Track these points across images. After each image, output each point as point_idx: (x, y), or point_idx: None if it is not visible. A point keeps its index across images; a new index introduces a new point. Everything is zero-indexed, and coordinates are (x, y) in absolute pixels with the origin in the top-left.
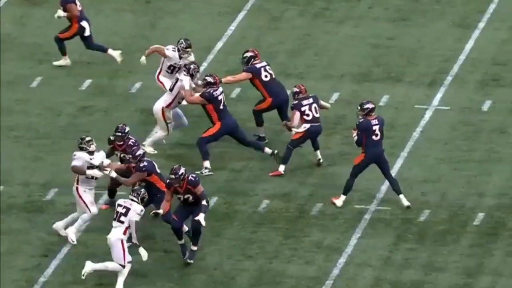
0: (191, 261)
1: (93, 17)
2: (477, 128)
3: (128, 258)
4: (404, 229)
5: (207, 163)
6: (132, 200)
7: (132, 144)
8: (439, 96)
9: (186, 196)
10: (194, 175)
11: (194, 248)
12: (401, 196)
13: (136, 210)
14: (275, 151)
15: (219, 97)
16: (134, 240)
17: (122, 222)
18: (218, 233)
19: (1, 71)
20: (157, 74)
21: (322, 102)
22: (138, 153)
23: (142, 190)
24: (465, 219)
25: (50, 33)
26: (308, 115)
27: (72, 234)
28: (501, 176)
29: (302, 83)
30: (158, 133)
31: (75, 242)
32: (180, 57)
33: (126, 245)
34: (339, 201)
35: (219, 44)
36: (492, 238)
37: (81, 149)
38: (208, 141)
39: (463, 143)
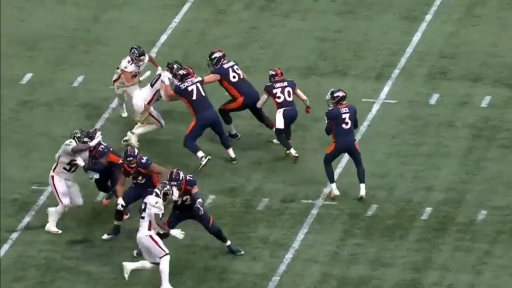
0: (241, 252)
1: (36, 10)
2: (425, 122)
3: (166, 249)
4: (352, 224)
5: (200, 153)
6: (156, 193)
7: (101, 150)
8: (386, 89)
9: (184, 198)
10: (191, 175)
11: (228, 242)
12: (362, 185)
13: (150, 202)
14: (235, 159)
15: (189, 88)
16: (162, 231)
17: (143, 218)
18: None
19: None
20: (114, 79)
21: (299, 92)
22: (135, 152)
23: (167, 186)
24: (413, 213)
25: None
26: (279, 97)
27: (53, 228)
28: (449, 170)
29: (248, 76)
30: (150, 126)
31: (60, 231)
32: (138, 66)
33: (157, 238)
34: (335, 190)
35: (164, 37)
36: (440, 233)
37: (77, 139)
38: (193, 138)
39: (411, 137)
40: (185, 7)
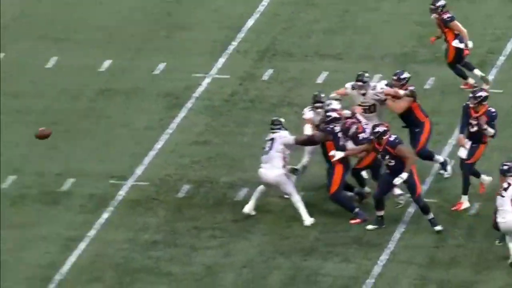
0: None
1: None
2: None
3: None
4: (450, 224)
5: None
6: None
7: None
8: (491, 78)
9: (386, 158)
10: (394, 136)
11: (429, 215)
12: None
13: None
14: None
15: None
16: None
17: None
18: (249, 229)
19: None
20: None
21: None
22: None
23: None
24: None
25: None
26: None
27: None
28: None
29: (340, 64)
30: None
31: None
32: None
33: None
34: (486, 179)
35: (250, 22)
36: None
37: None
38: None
39: None
40: None
